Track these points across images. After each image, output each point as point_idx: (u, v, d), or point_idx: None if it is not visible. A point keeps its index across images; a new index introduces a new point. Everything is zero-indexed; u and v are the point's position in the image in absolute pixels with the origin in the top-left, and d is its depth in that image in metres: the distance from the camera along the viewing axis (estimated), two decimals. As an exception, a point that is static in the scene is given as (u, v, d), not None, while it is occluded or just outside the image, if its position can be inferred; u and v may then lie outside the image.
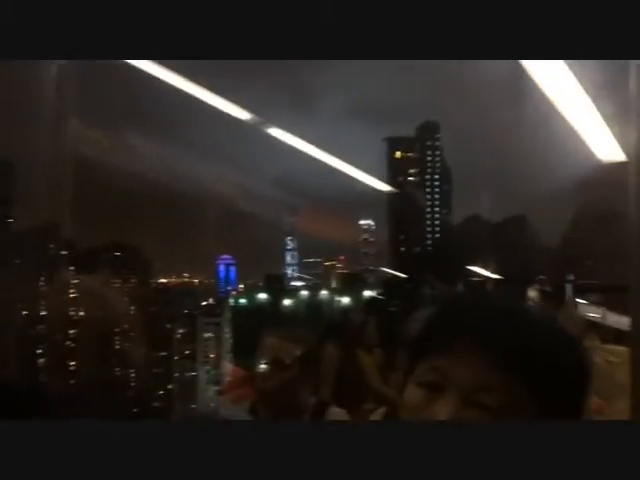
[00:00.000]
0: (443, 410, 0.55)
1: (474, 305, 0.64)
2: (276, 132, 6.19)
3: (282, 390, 1.74)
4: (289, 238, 66.74)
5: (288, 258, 68.35)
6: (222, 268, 59.13)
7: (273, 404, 1.74)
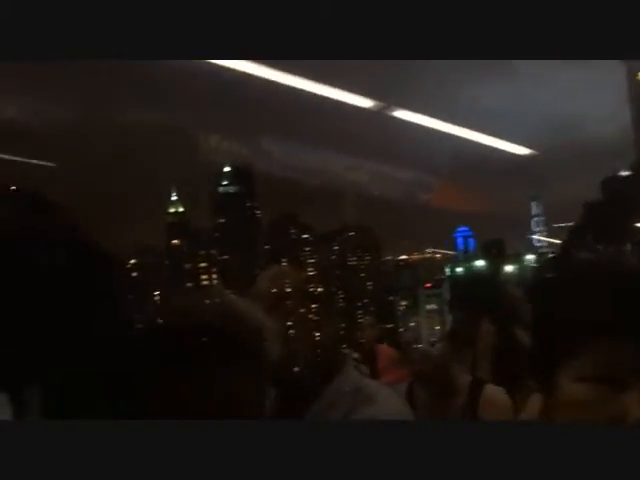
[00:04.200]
0: (636, 407, 0.46)
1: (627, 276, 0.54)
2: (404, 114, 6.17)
3: (439, 369, 1.76)
4: (534, 203, 62.41)
5: (533, 224, 63.85)
6: (460, 240, 59.29)
7: (430, 384, 1.77)
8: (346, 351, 1.23)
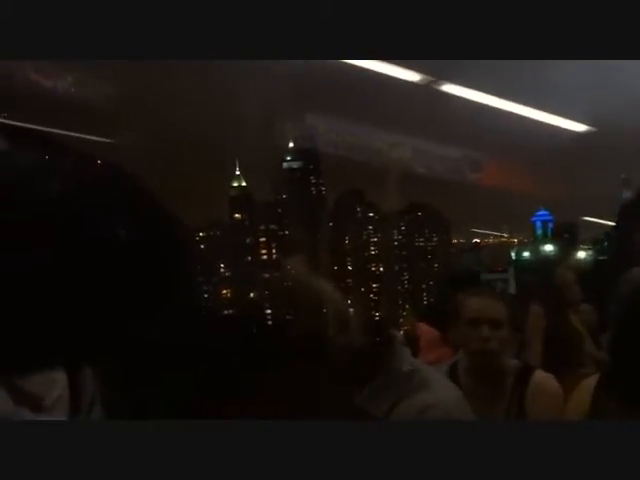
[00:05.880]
0: None
1: None
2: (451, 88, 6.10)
3: (501, 350, 1.71)
4: (625, 188, 58.61)
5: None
6: (539, 225, 56.95)
7: (484, 366, 1.71)
8: (394, 332, 1.19)
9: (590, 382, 1.45)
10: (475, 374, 1.74)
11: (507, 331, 1.73)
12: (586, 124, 6.19)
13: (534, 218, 58.02)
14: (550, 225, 57.58)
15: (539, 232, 58.29)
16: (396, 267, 37.22)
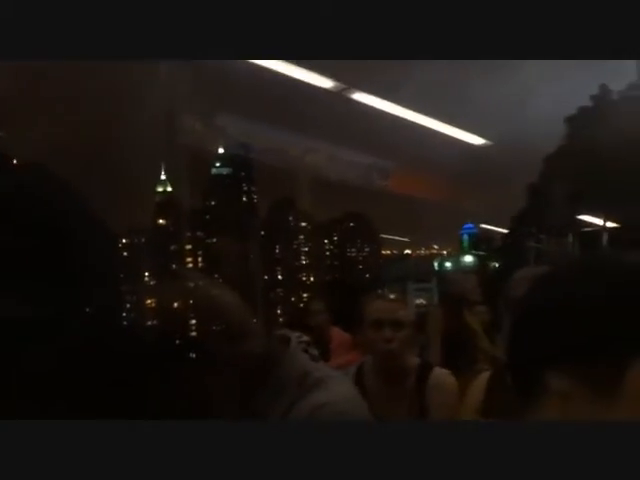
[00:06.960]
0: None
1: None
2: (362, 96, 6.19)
3: (403, 350, 1.80)
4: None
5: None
6: (466, 237, 59.29)
7: (387, 367, 1.80)
8: (290, 334, 1.16)
9: (483, 378, 1.56)
10: (379, 374, 1.81)
11: (409, 332, 1.80)
12: (490, 140, 6.50)
13: (461, 231, 60.46)
14: (474, 237, 60.15)
15: (465, 244, 60.82)
16: (327, 277, 37.46)
